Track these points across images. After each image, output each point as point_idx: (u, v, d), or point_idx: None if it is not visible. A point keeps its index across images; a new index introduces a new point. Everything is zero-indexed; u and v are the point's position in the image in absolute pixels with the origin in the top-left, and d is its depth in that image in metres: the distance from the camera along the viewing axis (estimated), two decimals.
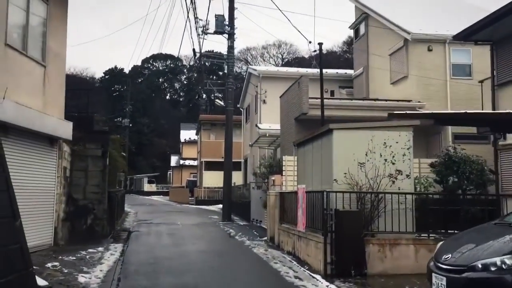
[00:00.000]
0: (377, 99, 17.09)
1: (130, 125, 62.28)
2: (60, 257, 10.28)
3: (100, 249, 11.88)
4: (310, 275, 8.92)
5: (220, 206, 32.44)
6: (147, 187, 56.06)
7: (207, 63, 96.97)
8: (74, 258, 10.34)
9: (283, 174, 15.05)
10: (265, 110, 23.86)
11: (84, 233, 13.76)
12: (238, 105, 31.07)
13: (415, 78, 16.70)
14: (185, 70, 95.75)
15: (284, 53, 75.27)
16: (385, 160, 9.57)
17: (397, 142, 9.68)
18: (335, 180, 9.37)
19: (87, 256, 10.70)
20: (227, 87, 22.73)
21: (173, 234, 15.65)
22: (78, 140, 14.15)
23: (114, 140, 18.21)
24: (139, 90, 78.22)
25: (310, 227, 10.03)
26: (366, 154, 9.53)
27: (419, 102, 16.25)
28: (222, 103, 23.15)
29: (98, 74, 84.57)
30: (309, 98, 16.01)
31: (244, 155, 30.07)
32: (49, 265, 9.25)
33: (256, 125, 23.32)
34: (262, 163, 18.51)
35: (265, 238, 14.50)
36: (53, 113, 11.86)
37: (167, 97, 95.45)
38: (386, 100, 16.70)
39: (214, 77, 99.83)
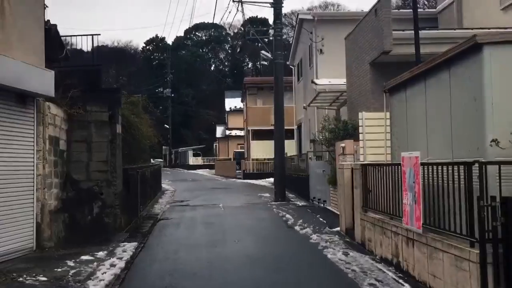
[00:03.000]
0: (488, 28, 12.14)
1: (173, 95, 59.20)
2: (21, 279, 6.49)
3: (101, 254, 8.07)
4: None
5: (270, 180, 28.54)
6: (192, 160, 52.91)
7: (251, 31, 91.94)
8: (45, 279, 6.52)
9: (361, 139, 10.64)
10: (322, 62, 19.29)
11: (89, 228, 10.06)
12: (287, 62, 26.54)
13: None
14: (229, 39, 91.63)
15: None
16: None
17: None
18: (493, 141, 4.90)
19: (71, 273, 6.87)
20: (275, 35, 18.31)
21: (211, 223, 11.70)
22: (76, 100, 10.37)
23: (134, 102, 14.37)
24: (183, 60, 74.80)
25: (432, 226, 5.69)
26: None
27: None
28: (269, 55, 18.88)
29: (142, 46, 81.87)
30: (393, 30, 11.37)
31: (297, 121, 25.70)
32: None
33: (312, 81, 18.83)
34: (325, 126, 14.17)
35: (337, 229, 10.28)
36: (22, 57, 7.96)
37: (212, 67, 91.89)
38: (504, 29, 11.73)
39: (259, 44, 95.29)
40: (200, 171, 45.43)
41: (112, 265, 7.35)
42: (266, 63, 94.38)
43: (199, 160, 53.50)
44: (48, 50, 11.72)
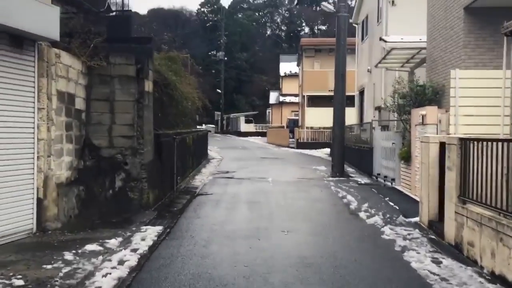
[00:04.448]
0: None
1: (226, 58, 57.26)
2: None
3: (113, 242, 6.36)
4: None
5: (326, 150, 26.27)
6: (244, 127, 51.09)
7: None
8: (21, 283, 4.79)
9: (452, 105, 8.20)
10: (393, 17, 16.58)
11: (109, 204, 8.44)
12: (350, 20, 23.68)
13: None
14: (286, 2, 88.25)
15: None
16: None
17: None
18: None
19: (62, 272, 5.14)
20: None
21: (256, 203, 9.76)
22: (99, 51, 8.58)
23: (173, 58, 12.46)
24: (238, 24, 72.36)
25: None
26: None
27: None
28: (331, 7, 16.34)
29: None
30: None
31: (358, 86, 23.06)
32: None
33: (381, 38, 16.18)
34: (398, 90, 11.70)
35: (416, 219, 8.03)
36: None
37: (268, 32, 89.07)
38: None
39: (318, 8, 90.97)
40: (251, 139, 43.67)
41: (121, 262, 5.56)
42: (324, 27, 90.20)
43: (251, 127, 51.65)
44: (87, 2, 10.01)
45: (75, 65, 8.04)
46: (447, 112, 9.63)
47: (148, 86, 9.16)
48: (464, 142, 6.19)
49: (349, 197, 10.44)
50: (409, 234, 7.06)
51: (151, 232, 7.08)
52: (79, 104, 8.28)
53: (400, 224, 7.83)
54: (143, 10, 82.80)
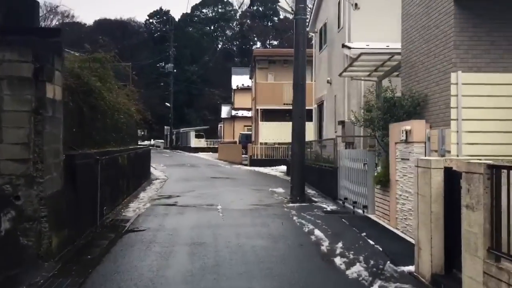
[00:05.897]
0: None
1: (175, 70, 54.71)
2: None
3: None
4: None
5: (282, 168, 24.43)
6: (194, 142, 48.47)
7: (260, 8, 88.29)
8: None
9: (453, 118, 6.36)
10: (357, 22, 14.89)
11: None
12: (307, 29, 22.03)
13: None
14: (237, 16, 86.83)
15: None
16: None
17: None
18: None
19: None
20: None
21: (201, 245, 7.50)
22: None
23: (99, 60, 10.09)
24: (188, 37, 70.04)
25: None
26: None
27: None
28: (288, 9, 14.47)
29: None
30: None
31: (316, 99, 21.33)
32: None
33: (344, 45, 14.48)
34: (371, 101, 9.87)
35: (409, 268, 6.09)
36: None
37: (219, 46, 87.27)
38: None
39: (269, 23, 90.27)
40: (202, 155, 41.20)
41: None
42: (276, 42, 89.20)
43: (202, 142, 49.14)
44: None
45: None
46: (432, 128, 7.89)
47: (54, 91, 6.82)
48: (497, 171, 4.27)
49: (317, 232, 8.40)
50: None
51: None
52: None
53: (392, 277, 5.84)
54: (89, 21, 79.15)
